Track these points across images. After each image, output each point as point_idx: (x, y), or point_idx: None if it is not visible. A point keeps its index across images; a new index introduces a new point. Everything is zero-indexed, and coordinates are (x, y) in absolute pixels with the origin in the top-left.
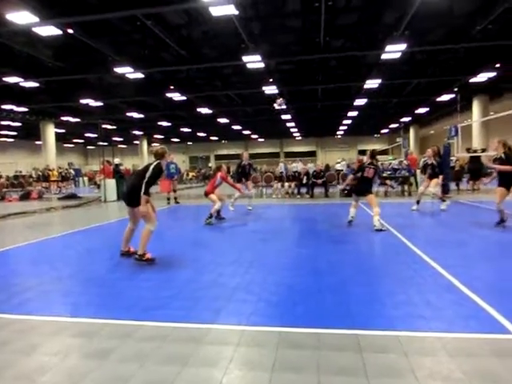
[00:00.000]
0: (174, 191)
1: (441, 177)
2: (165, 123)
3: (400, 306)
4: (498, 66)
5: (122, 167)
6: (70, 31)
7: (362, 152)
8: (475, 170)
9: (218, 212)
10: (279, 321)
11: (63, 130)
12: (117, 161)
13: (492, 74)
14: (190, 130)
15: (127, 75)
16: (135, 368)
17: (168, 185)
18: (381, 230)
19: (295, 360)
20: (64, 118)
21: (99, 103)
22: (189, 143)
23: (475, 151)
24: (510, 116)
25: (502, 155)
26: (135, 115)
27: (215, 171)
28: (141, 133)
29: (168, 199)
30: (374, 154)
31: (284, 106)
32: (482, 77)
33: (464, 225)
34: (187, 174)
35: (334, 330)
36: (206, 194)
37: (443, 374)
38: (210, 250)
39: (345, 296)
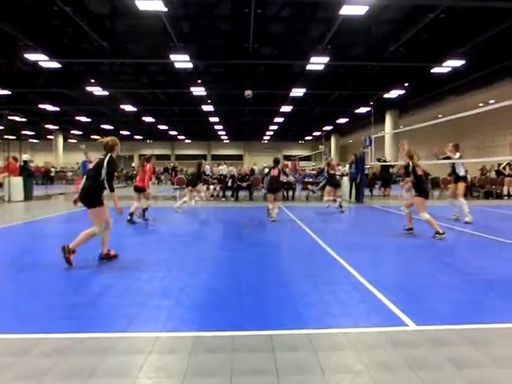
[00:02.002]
0: None
1: (328, 187)
2: (83, 118)
3: (313, 305)
4: (406, 84)
5: (31, 164)
6: None
7: (287, 157)
8: (386, 177)
9: (132, 215)
10: (196, 325)
11: None
12: (25, 157)
13: (401, 92)
14: (112, 128)
15: (41, 63)
16: None
17: None
18: (273, 221)
19: (209, 364)
20: None
21: (6, 92)
22: None
23: (385, 161)
24: (415, 130)
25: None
26: (49, 108)
27: (143, 162)
28: (56, 127)
29: None
30: (276, 160)
31: (251, 96)
32: (393, 93)
33: (375, 228)
34: None
35: (249, 332)
36: (141, 189)
37: (347, 367)
38: (127, 254)
39: (262, 298)
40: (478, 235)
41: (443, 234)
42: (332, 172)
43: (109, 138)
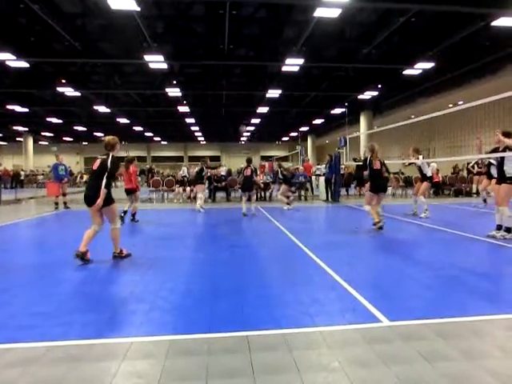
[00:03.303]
0: (64, 195)
1: (283, 186)
2: (55, 120)
3: (289, 305)
4: (379, 86)
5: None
6: None
7: (265, 158)
8: (361, 177)
9: (125, 213)
10: (171, 329)
11: None
12: None
13: (375, 93)
14: (85, 129)
15: (8, 63)
16: None
17: (56, 188)
18: (252, 215)
19: (184, 368)
20: None
21: None
22: (84, 143)
23: (360, 160)
24: (389, 130)
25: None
26: (18, 109)
27: (126, 164)
28: (25, 129)
29: (56, 204)
30: (248, 159)
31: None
32: (367, 95)
33: (350, 227)
34: (81, 177)
35: (225, 334)
36: (131, 191)
37: (322, 365)
38: (100, 259)
39: (239, 300)
40: (447, 231)
41: (379, 222)
42: (285, 173)
43: (110, 137)
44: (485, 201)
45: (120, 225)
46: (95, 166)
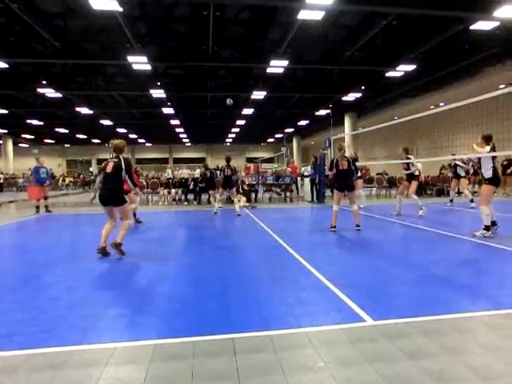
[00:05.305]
0: (46, 198)
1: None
2: (35, 122)
3: (275, 306)
4: (363, 87)
5: None
6: None
7: (251, 159)
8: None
9: (134, 215)
10: (156, 333)
11: None
12: None
13: (359, 95)
14: (67, 131)
15: None
16: None
17: (38, 191)
18: (239, 215)
19: (169, 372)
20: None
21: None
22: (66, 145)
23: None
24: (373, 131)
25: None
26: None
27: None
28: (4, 131)
29: (37, 207)
30: (227, 158)
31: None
32: (351, 96)
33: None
34: (63, 180)
35: (211, 337)
36: (126, 192)
37: (308, 365)
38: (81, 263)
39: (224, 302)
40: (429, 230)
41: (334, 228)
42: (246, 188)
43: (118, 141)
44: (451, 201)
45: (108, 226)
46: (109, 168)
